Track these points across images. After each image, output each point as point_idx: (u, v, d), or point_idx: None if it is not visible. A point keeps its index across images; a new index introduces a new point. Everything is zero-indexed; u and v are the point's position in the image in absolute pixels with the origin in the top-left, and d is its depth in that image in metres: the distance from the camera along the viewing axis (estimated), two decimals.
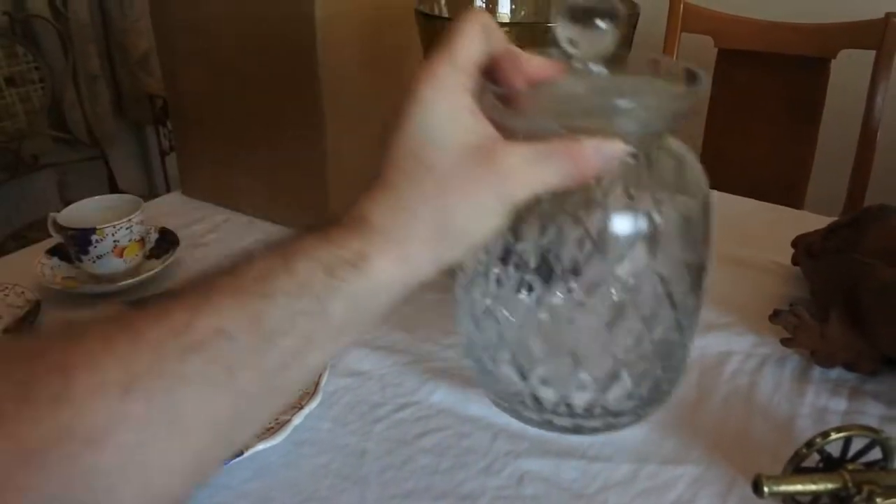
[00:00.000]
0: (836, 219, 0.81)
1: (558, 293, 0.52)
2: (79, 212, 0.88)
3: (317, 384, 0.63)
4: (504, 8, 0.82)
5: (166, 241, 0.92)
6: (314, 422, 0.63)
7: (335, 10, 0.83)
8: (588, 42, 0.44)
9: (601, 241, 0.50)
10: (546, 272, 0.52)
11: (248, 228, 0.99)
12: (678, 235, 0.51)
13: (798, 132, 1.46)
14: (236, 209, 1.03)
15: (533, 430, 0.62)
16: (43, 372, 0.31)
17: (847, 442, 0.51)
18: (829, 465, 0.51)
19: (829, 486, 0.48)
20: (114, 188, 2.04)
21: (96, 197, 0.90)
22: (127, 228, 0.84)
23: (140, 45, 2.14)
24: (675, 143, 0.52)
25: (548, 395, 0.57)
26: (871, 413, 0.64)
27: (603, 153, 0.40)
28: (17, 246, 1.74)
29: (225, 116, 0.97)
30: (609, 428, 0.58)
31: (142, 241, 0.87)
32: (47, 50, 1.91)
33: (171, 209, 1.05)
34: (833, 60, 1.43)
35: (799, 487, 0.48)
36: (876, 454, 0.51)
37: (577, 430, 0.59)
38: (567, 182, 0.39)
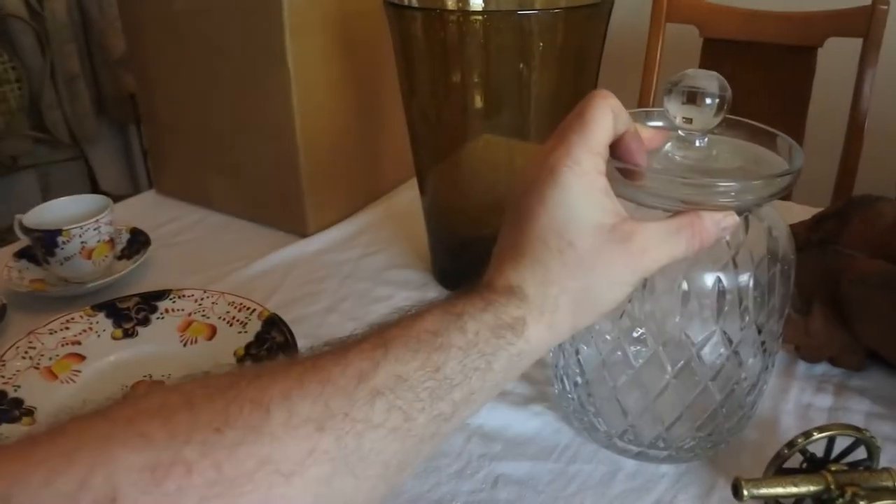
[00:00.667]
0: (822, 209, 0.79)
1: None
2: (47, 213, 0.85)
3: None
4: None
5: (137, 242, 0.90)
6: None
7: (302, 1, 0.81)
8: (697, 118, 0.50)
9: (684, 298, 0.52)
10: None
11: (222, 228, 0.96)
12: (757, 298, 0.52)
13: (785, 122, 1.43)
14: (210, 208, 1.01)
15: (507, 432, 0.60)
16: (241, 404, 0.32)
17: (831, 441, 0.49)
18: (813, 466, 0.49)
19: (812, 488, 0.47)
20: (95, 188, 2.01)
21: (65, 198, 0.88)
22: (94, 229, 0.82)
23: (120, 44, 2.10)
24: (767, 211, 0.53)
25: (617, 422, 0.57)
26: (857, 409, 0.62)
27: (721, 225, 0.45)
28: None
29: (196, 115, 0.95)
30: (672, 460, 0.57)
31: (111, 241, 0.85)
32: (24, 50, 1.87)
33: (145, 209, 1.03)
34: (820, 49, 1.41)
35: (780, 490, 0.46)
36: (861, 453, 0.50)
37: (641, 456, 0.57)
38: (690, 253, 0.44)
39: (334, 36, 0.87)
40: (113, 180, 2.15)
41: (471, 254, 0.81)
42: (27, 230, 0.82)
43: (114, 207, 0.85)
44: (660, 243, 0.42)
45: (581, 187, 0.41)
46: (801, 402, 0.63)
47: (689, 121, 0.51)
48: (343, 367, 0.35)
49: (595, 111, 0.42)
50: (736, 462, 0.56)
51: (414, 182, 1.00)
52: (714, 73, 0.51)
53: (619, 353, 0.54)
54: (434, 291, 0.80)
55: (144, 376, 0.69)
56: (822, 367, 0.67)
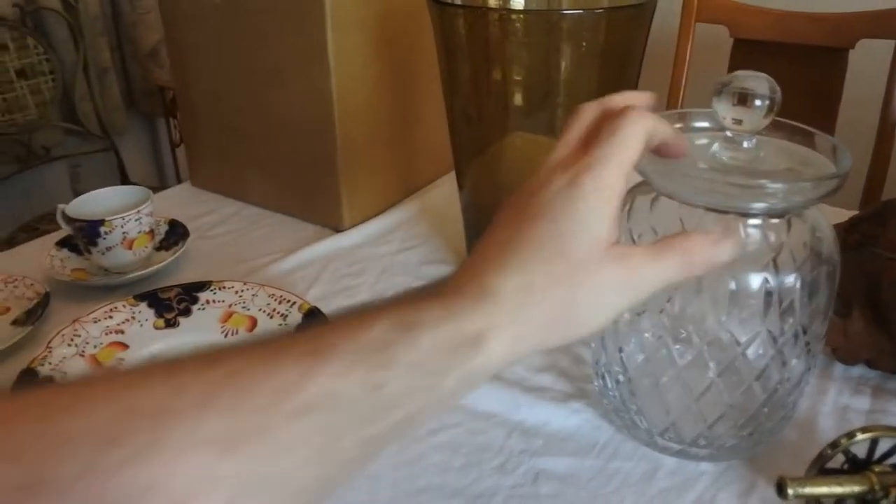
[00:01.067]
0: (856, 212, 0.79)
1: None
2: (88, 203, 0.87)
3: None
4: None
5: (176, 233, 0.91)
6: None
7: None
8: (747, 119, 0.51)
9: (731, 298, 0.52)
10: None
11: (258, 221, 0.98)
12: (801, 299, 0.52)
13: (815, 123, 1.43)
14: (245, 201, 1.02)
15: (547, 428, 0.61)
16: (136, 414, 0.29)
17: (873, 443, 0.49)
18: (855, 467, 0.50)
19: (856, 488, 0.47)
20: (125, 180, 2.03)
21: (106, 188, 0.89)
22: (136, 220, 0.83)
23: (150, 37, 2.13)
24: (813, 213, 0.53)
25: (660, 420, 0.57)
26: (895, 412, 0.62)
27: (715, 251, 0.41)
28: (28, 238, 1.74)
29: (233, 108, 0.96)
30: (712, 459, 0.57)
31: (151, 232, 0.86)
32: (58, 42, 1.89)
33: (181, 200, 1.04)
34: (851, 50, 1.41)
35: (824, 490, 0.47)
36: None
37: (681, 454, 0.58)
38: (683, 276, 0.41)
39: (374, 32, 0.87)
40: (141, 172, 2.17)
41: None
42: (70, 220, 0.83)
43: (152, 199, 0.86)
44: (653, 263, 0.40)
45: (597, 204, 0.39)
46: (838, 403, 0.64)
47: (738, 122, 0.51)
48: (269, 376, 0.31)
49: (629, 131, 0.40)
50: (775, 462, 0.57)
51: (447, 178, 1.01)
52: (764, 75, 0.51)
53: (664, 351, 0.55)
54: None
55: None
56: (859, 370, 0.67)
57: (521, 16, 0.72)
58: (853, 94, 1.43)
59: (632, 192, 0.57)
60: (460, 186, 0.80)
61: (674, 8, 1.53)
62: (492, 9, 0.79)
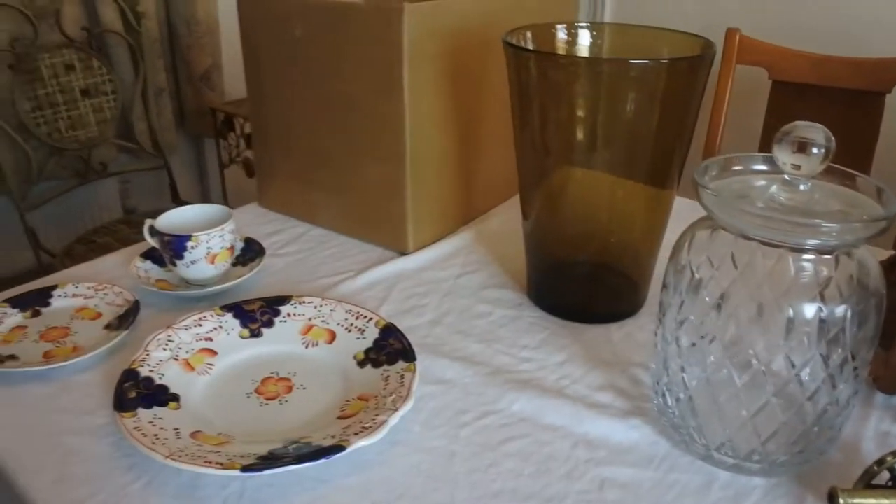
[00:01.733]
0: (892, 252, 0.84)
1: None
2: (172, 219, 0.93)
3: (409, 388, 0.68)
4: (584, 41, 0.87)
5: (251, 250, 0.97)
6: (405, 424, 0.67)
7: (420, 34, 0.88)
8: (805, 165, 0.57)
9: (788, 324, 0.58)
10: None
11: (325, 242, 1.04)
12: (851, 328, 0.58)
13: (851, 165, 1.48)
14: (312, 222, 1.08)
15: (609, 441, 0.66)
16: None
17: None
18: None
19: None
20: (175, 196, 2.11)
21: (188, 206, 0.96)
22: (220, 236, 0.89)
23: (204, 61, 2.21)
24: (860, 250, 0.59)
25: (717, 435, 0.63)
26: None
27: None
28: (86, 250, 1.82)
29: (308, 134, 1.02)
30: (764, 474, 0.63)
31: (231, 248, 0.92)
32: (119, 63, 1.98)
33: (250, 220, 1.11)
34: (888, 95, 1.46)
35: (872, 501, 0.52)
36: None
37: (735, 468, 0.63)
38: None
39: (445, 67, 0.94)
40: (186, 190, 2.25)
41: (565, 276, 0.88)
42: (158, 234, 0.90)
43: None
44: None
45: None
46: (879, 429, 0.68)
47: (797, 167, 0.57)
48: None
49: None
50: (822, 479, 0.62)
51: (501, 208, 1.07)
52: (821, 126, 0.57)
53: (724, 372, 0.60)
54: (529, 311, 0.86)
55: (272, 373, 0.76)
56: None
57: (586, 62, 0.78)
58: (890, 136, 1.48)
59: (692, 227, 0.63)
60: (524, 215, 0.86)
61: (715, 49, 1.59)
62: (559, 55, 0.86)
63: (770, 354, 0.59)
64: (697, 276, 0.61)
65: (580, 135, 0.78)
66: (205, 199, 2.55)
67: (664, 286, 0.65)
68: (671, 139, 0.77)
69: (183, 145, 2.38)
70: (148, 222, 0.93)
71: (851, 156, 1.49)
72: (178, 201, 2.11)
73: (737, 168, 0.64)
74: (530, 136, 0.80)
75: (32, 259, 1.88)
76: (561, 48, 0.87)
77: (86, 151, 1.93)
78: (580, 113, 0.76)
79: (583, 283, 0.88)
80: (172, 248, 0.89)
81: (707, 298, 0.60)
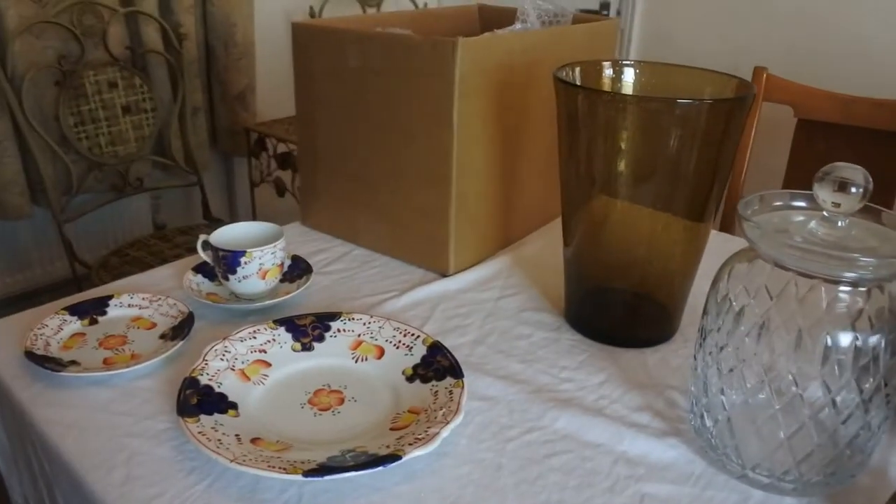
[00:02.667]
0: None
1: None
2: (223, 235, 0.97)
3: (459, 403, 0.72)
4: (629, 77, 0.91)
5: (299, 268, 1.02)
6: (453, 437, 0.71)
7: (471, 67, 0.93)
8: (844, 203, 0.61)
9: (825, 353, 0.61)
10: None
11: (368, 262, 1.08)
12: (884, 356, 0.61)
13: (874, 202, 1.51)
14: (354, 243, 1.12)
15: (648, 458, 0.70)
16: None
17: None
18: None
19: None
20: (206, 214, 2.15)
21: (241, 223, 1.00)
22: (272, 253, 0.94)
23: (240, 82, 2.27)
24: (893, 284, 0.62)
25: (753, 456, 0.66)
26: None
27: None
28: (120, 262, 1.86)
29: (355, 160, 1.07)
30: (796, 494, 0.66)
31: (281, 265, 0.96)
32: (157, 82, 2.04)
33: (292, 238, 1.15)
34: None
35: None
36: None
37: (769, 488, 0.66)
38: None
39: (490, 100, 0.98)
40: (214, 207, 2.30)
41: (602, 302, 0.92)
42: (213, 248, 0.94)
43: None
44: None
45: None
46: None
47: (836, 205, 0.61)
48: None
49: None
50: (852, 501, 0.65)
51: (538, 234, 1.11)
52: (860, 167, 0.61)
53: (762, 395, 0.63)
54: (567, 334, 0.90)
55: (324, 385, 0.79)
56: None
57: (630, 99, 0.82)
58: None
59: (731, 259, 0.67)
60: (566, 242, 0.90)
61: None
62: (605, 91, 0.90)
63: (806, 380, 0.62)
64: (736, 304, 0.64)
65: (623, 167, 0.82)
66: (233, 217, 2.60)
67: (704, 312, 0.69)
68: (710, 175, 0.81)
69: (213, 163, 2.43)
70: (202, 237, 0.97)
71: (875, 193, 1.52)
72: (209, 218, 2.16)
73: (777, 203, 0.68)
74: (575, 167, 0.84)
75: (67, 269, 1.93)
76: (607, 84, 0.91)
77: (123, 166, 1.98)
78: (624, 146, 0.80)
79: (620, 310, 0.93)
80: (226, 262, 0.93)
81: (745, 326, 0.63)
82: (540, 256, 1.08)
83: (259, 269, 0.94)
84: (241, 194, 2.59)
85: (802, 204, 0.67)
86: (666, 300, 0.90)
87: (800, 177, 1.56)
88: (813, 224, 0.64)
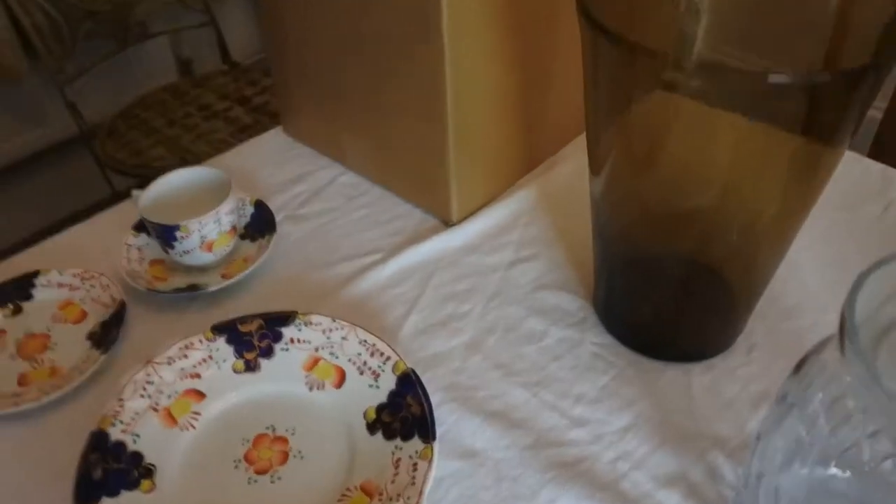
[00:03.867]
0: None
1: None
2: (160, 190, 0.77)
3: (421, 489, 0.54)
4: None
5: (261, 220, 0.81)
6: None
7: None
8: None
9: None
10: None
11: (355, 196, 0.86)
12: None
13: None
14: (343, 164, 0.90)
15: None
16: None
17: None
18: None
19: None
20: (225, 57, 1.92)
21: (179, 170, 0.79)
22: (214, 222, 0.74)
23: None
24: None
25: None
26: None
27: None
28: (127, 127, 1.68)
29: (330, 70, 0.82)
30: None
31: (232, 230, 0.77)
32: None
33: (271, 153, 0.95)
34: None
35: None
36: None
37: None
38: None
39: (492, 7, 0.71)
40: (241, 45, 2.05)
41: (644, 278, 0.68)
42: (144, 220, 0.74)
43: (233, 188, 0.76)
44: None
45: None
46: None
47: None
48: None
49: None
50: None
51: (574, 145, 0.87)
52: None
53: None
54: (592, 331, 0.68)
55: (267, 428, 0.62)
56: None
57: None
58: None
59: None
60: (592, 169, 0.61)
61: None
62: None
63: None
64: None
65: (704, 27, 0.55)
66: (263, 51, 2.35)
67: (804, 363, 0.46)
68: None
69: None
70: (134, 193, 0.77)
71: None
72: (228, 62, 1.92)
73: None
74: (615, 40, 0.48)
75: (76, 130, 1.76)
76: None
77: (126, 11, 1.74)
78: None
79: (667, 293, 0.66)
80: (160, 236, 0.75)
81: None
82: (571, 186, 0.83)
83: (202, 243, 0.74)
84: None
85: None
86: (739, 279, 0.63)
87: None
88: None
